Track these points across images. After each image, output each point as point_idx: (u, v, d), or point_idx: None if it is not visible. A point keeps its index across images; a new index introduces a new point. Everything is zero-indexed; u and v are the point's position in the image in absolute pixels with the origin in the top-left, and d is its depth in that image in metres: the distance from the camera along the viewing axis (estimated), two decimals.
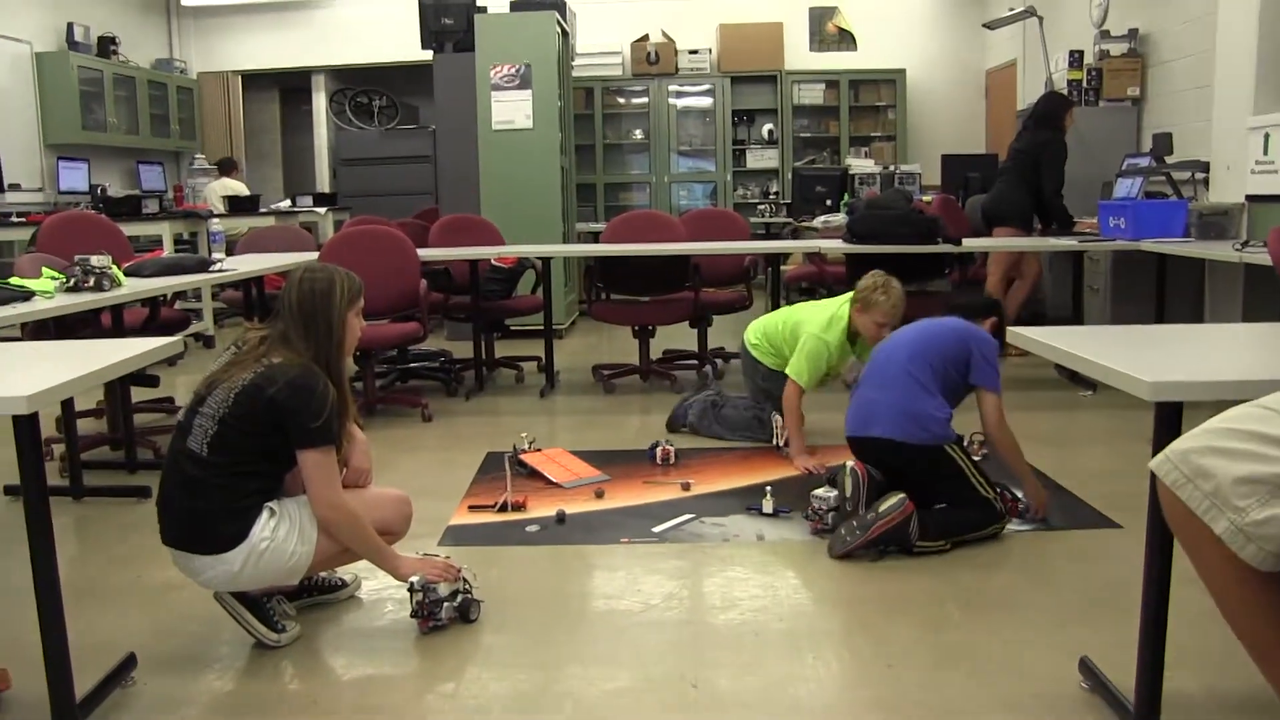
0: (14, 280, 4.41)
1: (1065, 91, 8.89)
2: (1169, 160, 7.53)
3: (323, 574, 3.49)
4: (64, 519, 4.44)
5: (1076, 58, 9.11)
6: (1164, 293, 6.84)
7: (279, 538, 3.02)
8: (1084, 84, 8.98)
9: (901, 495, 3.81)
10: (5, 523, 4.49)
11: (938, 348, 4.12)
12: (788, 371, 5.11)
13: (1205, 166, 7.19)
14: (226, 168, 12.10)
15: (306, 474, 3.04)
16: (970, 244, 6.96)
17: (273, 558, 3.02)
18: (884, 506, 3.79)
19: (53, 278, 4.56)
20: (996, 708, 2.73)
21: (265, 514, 3.03)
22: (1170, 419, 2.30)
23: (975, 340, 4.14)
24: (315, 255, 6.51)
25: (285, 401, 2.96)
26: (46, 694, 2.56)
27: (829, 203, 10.10)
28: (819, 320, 5.10)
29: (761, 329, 5.48)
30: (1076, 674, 2.86)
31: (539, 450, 5.18)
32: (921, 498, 3.86)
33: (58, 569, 2.52)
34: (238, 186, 11.84)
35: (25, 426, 2.41)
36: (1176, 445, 2.03)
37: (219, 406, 2.98)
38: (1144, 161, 7.70)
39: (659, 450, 5.13)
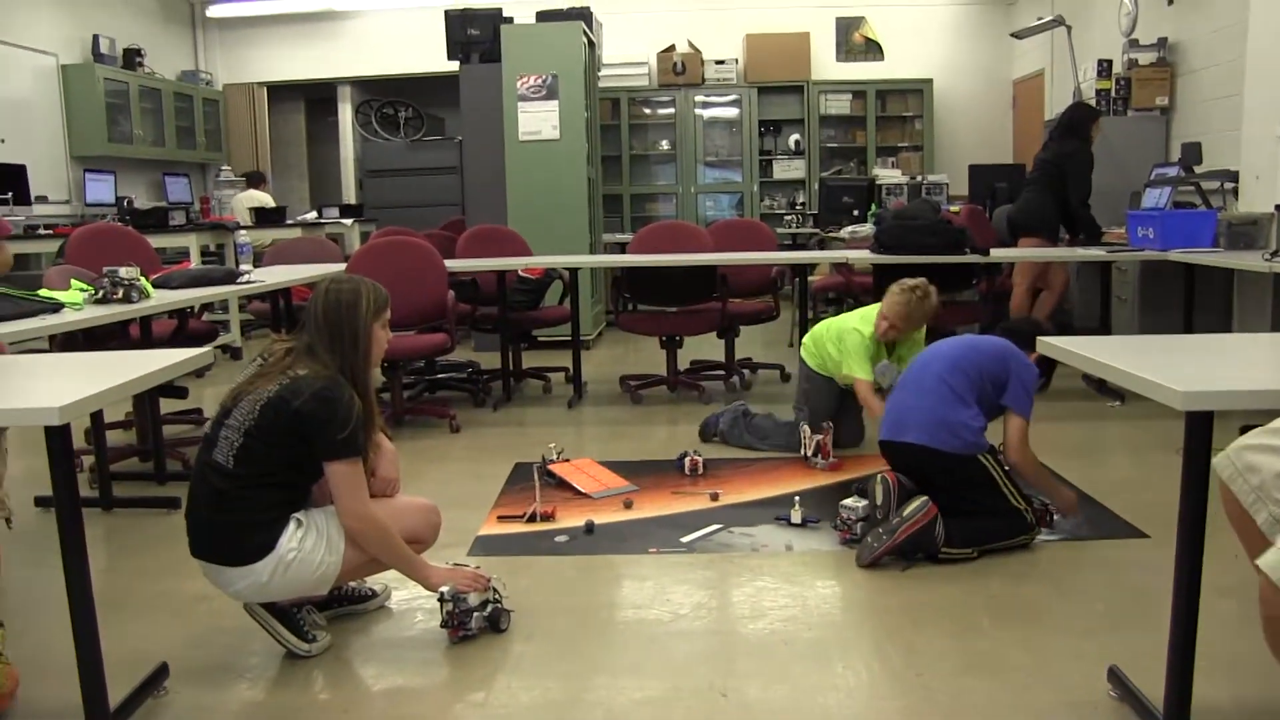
0: (43, 292, 4.44)
1: (1093, 101, 8.86)
2: (1198, 170, 7.49)
3: (352, 584, 3.50)
4: (94, 530, 4.45)
5: (1105, 67, 9.08)
6: (1192, 303, 6.80)
7: (306, 548, 3.03)
8: (1112, 93, 8.94)
9: (924, 498, 3.82)
10: (36, 533, 4.52)
11: (977, 362, 4.10)
12: (848, 373, 5.24)
13: (1234, 176, 7.15)
14: (255, 180, 12.20)
15: (334, 486, 3.04)
16: (998, 254, 6.95)
17: (300, 568, 3.03)
18: (908, 510, 3.81)
19: (81, 289, 4.59)
20: (1025, 716, 2.73)
21: (292, 525, 3.04)
22: (1201, 428, 2.29)
23: (1016, 363, 4.10)
24: (343, 266, 6.54)
25: (311, 413, 2.96)
26: (81, 704, 2.57)
27: (856, 213, 10.11)
28: (859, 315, 5.33)
29: (813, 333, 5.61)
30: (1105, 683, 2.84)
31: (567, 460, 5.19)
32: (952, 506, 3.86)
33: (90, 580, 2.54)
34: (264, 198, 11.92)
35: (57, 438, 2.43)
36: (1236, 442, 2.07)
37: (244, 419, 2.99)
38: (1173, 171, 7.67)
39: (687, 460, 5.13)
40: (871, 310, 5.26)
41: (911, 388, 4.20)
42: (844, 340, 5.25)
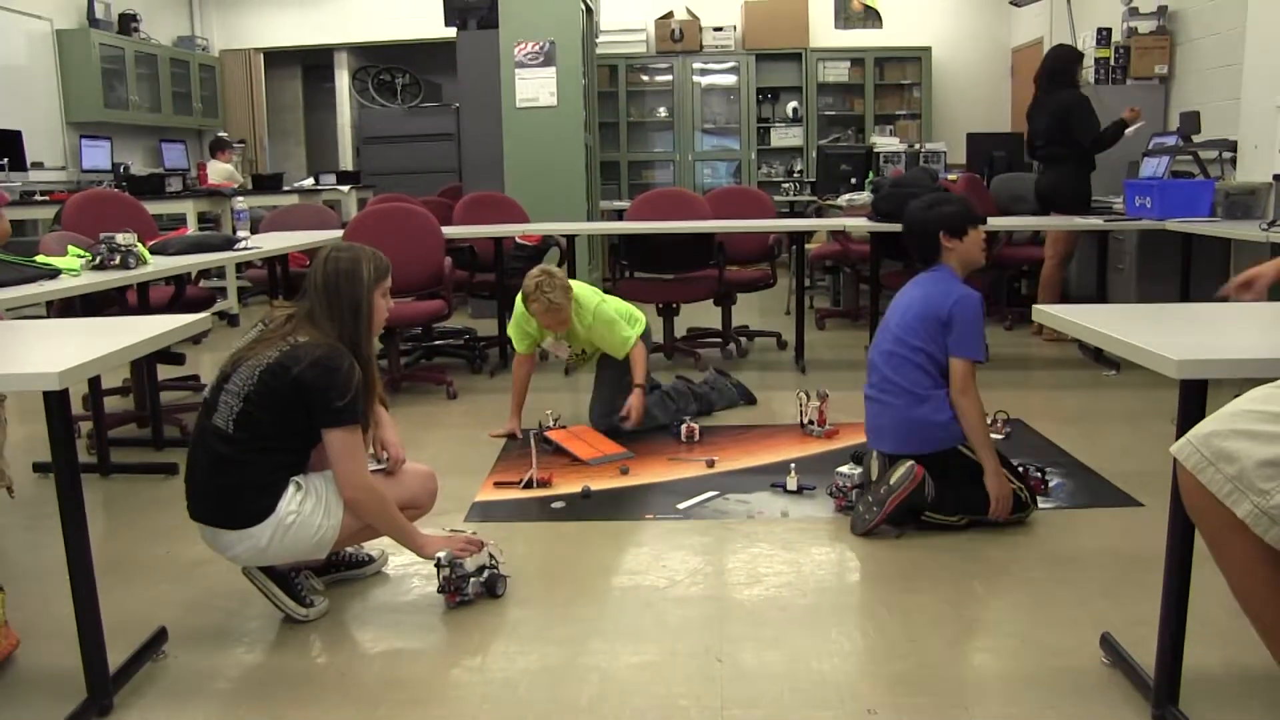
0: (40, 258, 4.43)
1: (1092, 70, 8.83)
2: (1196, 139, 7.47)
3: (350, 549, 3.52)
4: (93, 495, 4.46)
5: (1104, 35, 9.05)
6: (1189, 273, 6.79)
7: (305, 512, 3.04)
8: (1111, 62, 8.92)
9: (910, 464, 3.78)
10: (35, 499, 4.53)
11: (922, 332, 3.84)
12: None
13: (1233, 145, 7.13)
14: (216, 148, 11.75)
15: (331, 454, 3.04)
16: (995, 223, 6.93)
17: (299, 532, 3.04)
18: (894, 478, 3.77)
19: (79, 256, 4.58)
20: (1018, 682, 2.74)
21: (291, 488, 3.05)
22: (1195, 397, 2.30)
23: (957, 305, 3.80)
24: (340, 233, 6.53)
25: (311, 380, 2.96)
26: (81, 667, 2.61)
27: (854, 181, 10.07)
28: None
29: None
30: (1098, 649, 2.87)
31: (564, 427, 5.21)
32: (947, 474, 3.84)
33: (89, 544, 2.55)
34: (226, 170, 11.48)
35: (56, 402, 2.44)
36: (1198, 429, 2.02)
37: (244, 384, 2.99)
38: (1171, 140, 7.65)
39: (684, 428, 5.14)
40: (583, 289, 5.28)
41: (875, 382, 4.00)
42: None
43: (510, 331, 5.41)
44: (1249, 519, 1.90)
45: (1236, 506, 1.92)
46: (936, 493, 3.79)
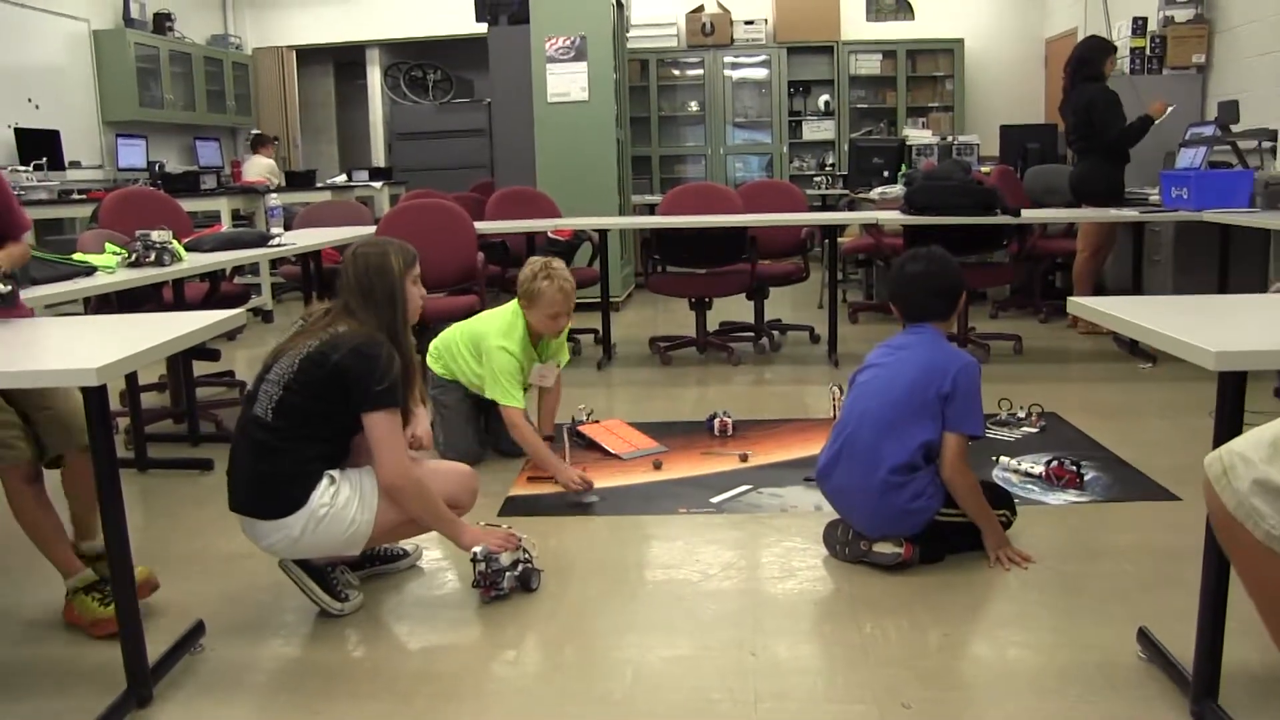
0: (77, 256, 4.47)
1: (1127, 60, 8.76)
2: (1234, 129, 7.40)
3: (385, 544, 3.53)
4: (129, 490, 4.51)
5: (1140, 25, 8.98)
6: (1227, 264, 6.74)
7: (338, 505, 3.06)
8: (1147, 52, 8.85)
9: (897, 551, 3.44)
10: None
11: (913, 410, 3.44)
12: (498, 400, 4.54)
13: (1273, 135, 7.07)
14: (258, 143, 11.79)
15: (373, 439, 3.07)
16: (1029, 215, 6.89)
17: (332, 524, 3.06)
18: (876, 548, 3.47)
19: (115, 253, 4.62)
20: (1053, 677, 2.73)
21: (325, 481, 3.07)
22: (1233, 389, 2.28)
23: (961, 374, 3.43)
24: (373, 229, 6.55)
25: (350, 366, 3.00)
26: (121, 659, 2.63)
27: (886, 174, 10.03)
28: (498, 328, 4.65)
29: (443, 338, 4.95)
30: (1134, 644, 2.84)
31: (597, 422, 5.21)
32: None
33: (128, 538, 2.58)
34: (267, 164, 11.51)
35: (95, 398, 2.46)
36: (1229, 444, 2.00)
37: (284, 372, 3.04)
38: (1208, 130, 7.58)
39: (717, 422, 5.14)
40: (504, 318, 4.69)
41: (845, 464, 3.55)
42: (491, 361, 4.55)
43: (502, 380, 4.52)
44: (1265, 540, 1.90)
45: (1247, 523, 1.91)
46: (924, 551, 3.50)
